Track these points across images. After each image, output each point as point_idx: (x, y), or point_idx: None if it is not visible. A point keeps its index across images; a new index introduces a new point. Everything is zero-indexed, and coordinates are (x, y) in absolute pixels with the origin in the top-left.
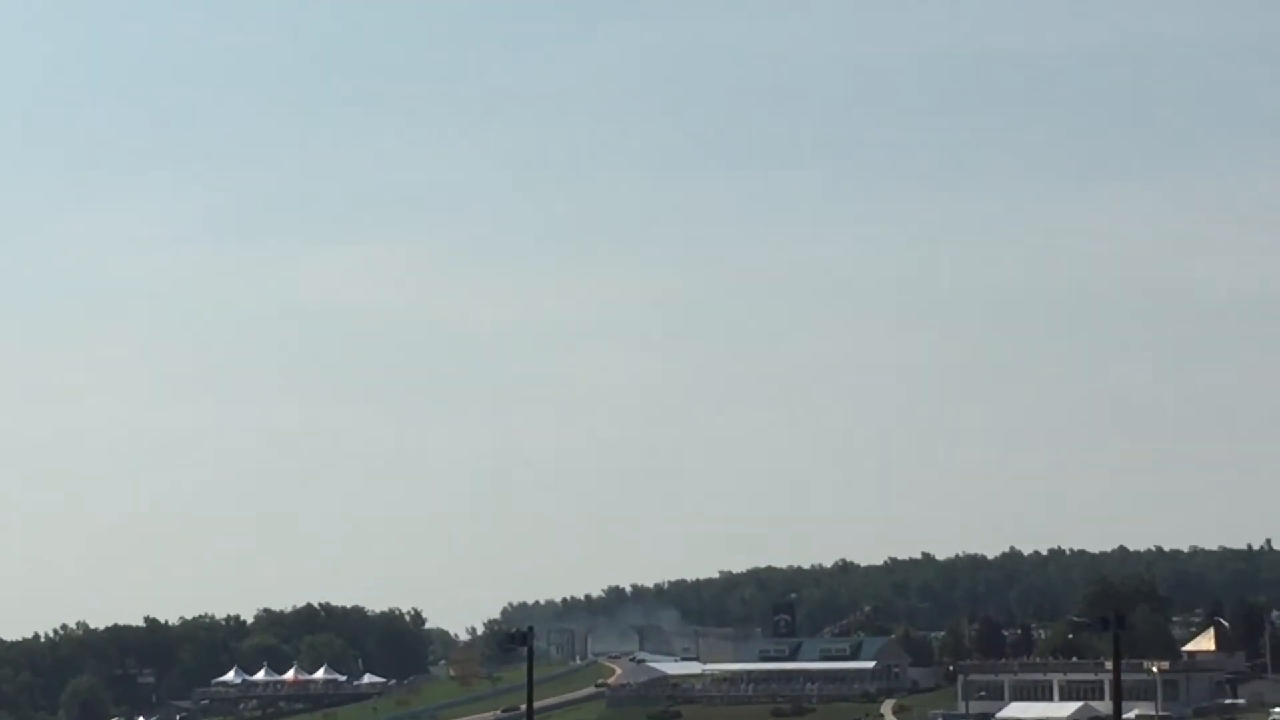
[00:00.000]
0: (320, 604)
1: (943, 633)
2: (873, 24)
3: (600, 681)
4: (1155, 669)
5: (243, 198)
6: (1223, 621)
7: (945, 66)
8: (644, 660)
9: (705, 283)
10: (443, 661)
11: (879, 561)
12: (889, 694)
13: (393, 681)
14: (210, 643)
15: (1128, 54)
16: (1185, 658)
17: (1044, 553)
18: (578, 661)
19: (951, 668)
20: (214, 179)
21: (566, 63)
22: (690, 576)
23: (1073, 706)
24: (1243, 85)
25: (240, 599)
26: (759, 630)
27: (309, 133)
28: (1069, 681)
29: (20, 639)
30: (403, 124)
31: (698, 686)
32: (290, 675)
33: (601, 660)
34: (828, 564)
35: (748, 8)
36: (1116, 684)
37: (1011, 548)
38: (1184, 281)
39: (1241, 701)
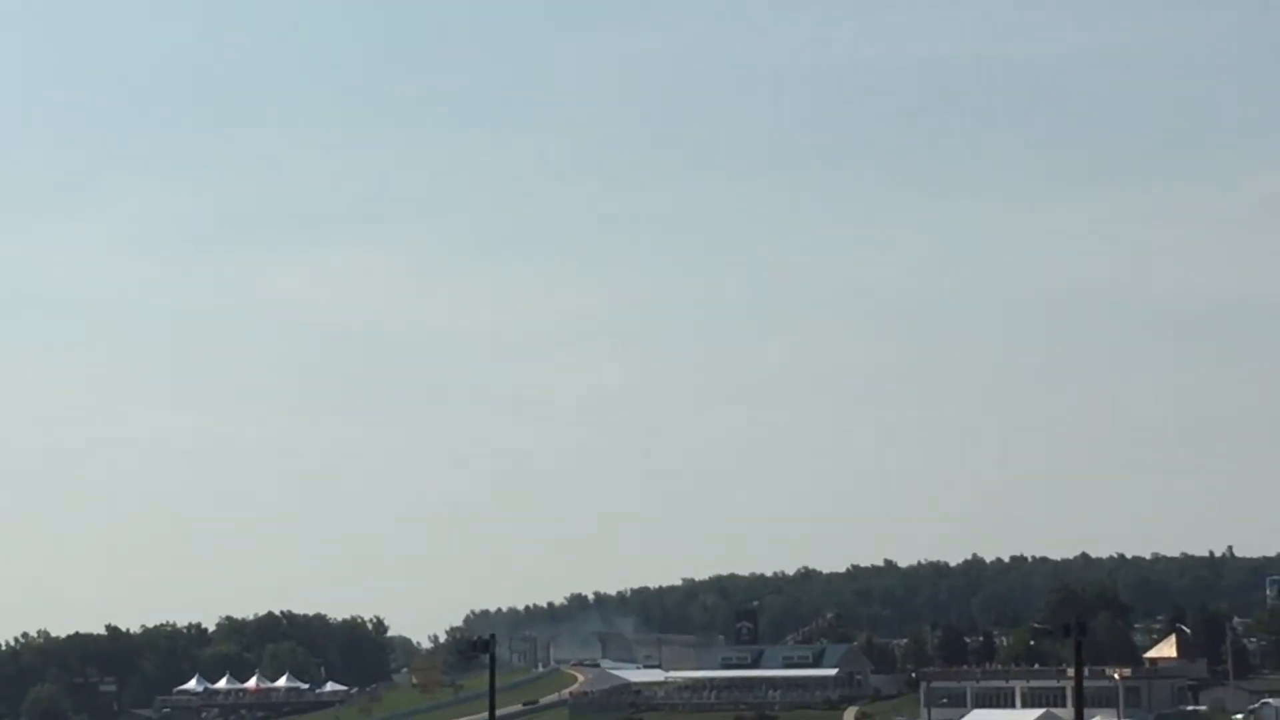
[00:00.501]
0: (282, 612)
1: (905, 640)
2: (851, 30)
3: (579, 687)
4: (1117, 676)
5: (215, 204)
6: (1184, 628)
7: (927, 72)
8: (607, 668)
9: (676, 289)
10: (405, 669)
11: (841, 568)
12: (851, 701)
13: (355, 689)
14: (172, 651)
15: (1114, 59)
16: (1147, 665)
17: (1006, 560)
18: (540, 669)
19: (914, 675)
20: (187, 186)
21: (541, 70)
22: (652, 584)
23: (1035, 713)
24: (1230, 89)
25: (202, 607)
26: (721, 637)
27: (282, 139)
28: (1031, 688)
29: None
30: (376, 131)
31: (660, 694)
32: (252, 683)
33: (564, 668)
34: (790, 571)
35: (720, 15)
36: (1078, 691)
37: (974, 555)
38: (1159, 288)
39: (1203, 708)
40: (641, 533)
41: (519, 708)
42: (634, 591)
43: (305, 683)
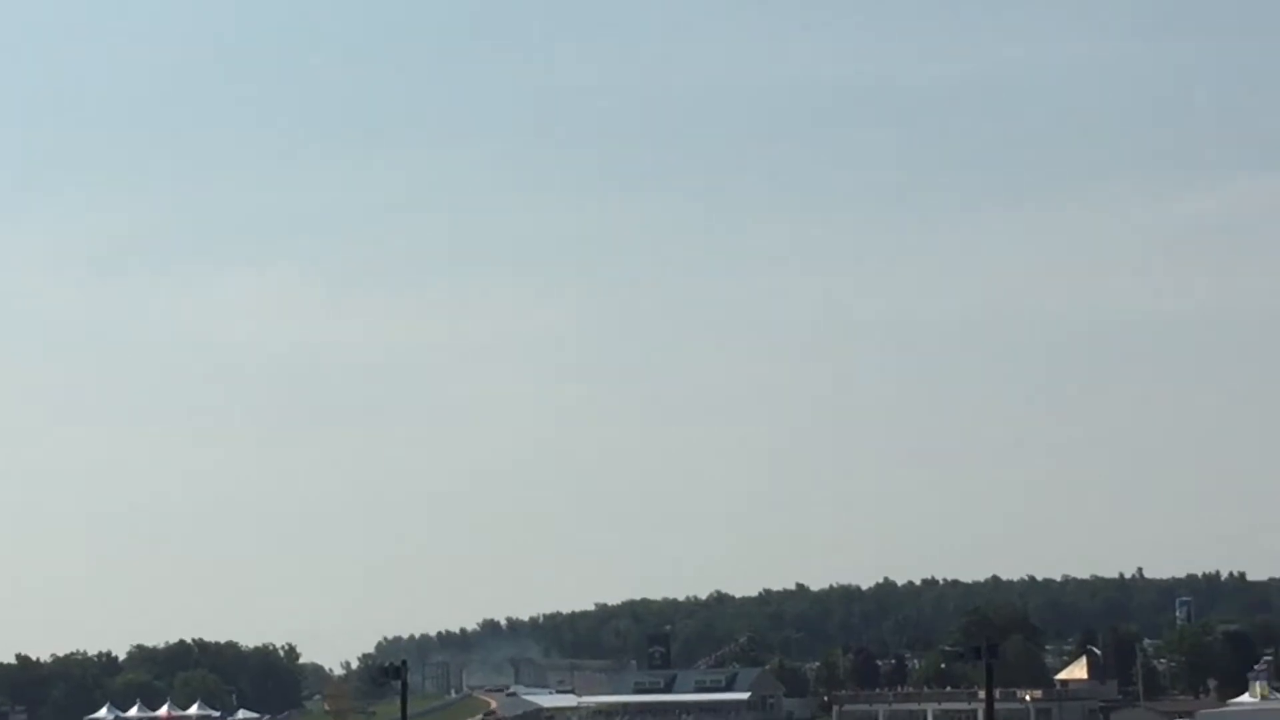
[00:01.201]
0: (194, 639)
1: (817, 663)
2: (756, 53)
3: (492, 713)
4: (1028, 698)
5: (125, 225)
6: (1095, 650)
7: (827, 96)
8: (519, 693)
9: (594, 310)
10: (317, 696)
11: (753, 592)
12: None
13: (267, 717)
14: (83, 680)
15: (1035, 77)
16: (1058, 686)
17: (917, 583)
18: (453, 695)
19: (827, 698)
20: (89, 209)
21: (451, 89)
22: (565, 609)
23: None
24: (1146, 111)
25: (112, 635)
26: (634, 662)
27: (185, 161)
28: (943, 711)
29: None
30: (284, 151)
31: (573, 719)
32: (164, 712)
33: (476, 693)
34: (702, 595)
35: (628, 37)
36: (989, 713)
37: (885, 578)
38: (1057, 309)
39: None
40: (554, 558)
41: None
42: (546, 617)
43: (217, 710)
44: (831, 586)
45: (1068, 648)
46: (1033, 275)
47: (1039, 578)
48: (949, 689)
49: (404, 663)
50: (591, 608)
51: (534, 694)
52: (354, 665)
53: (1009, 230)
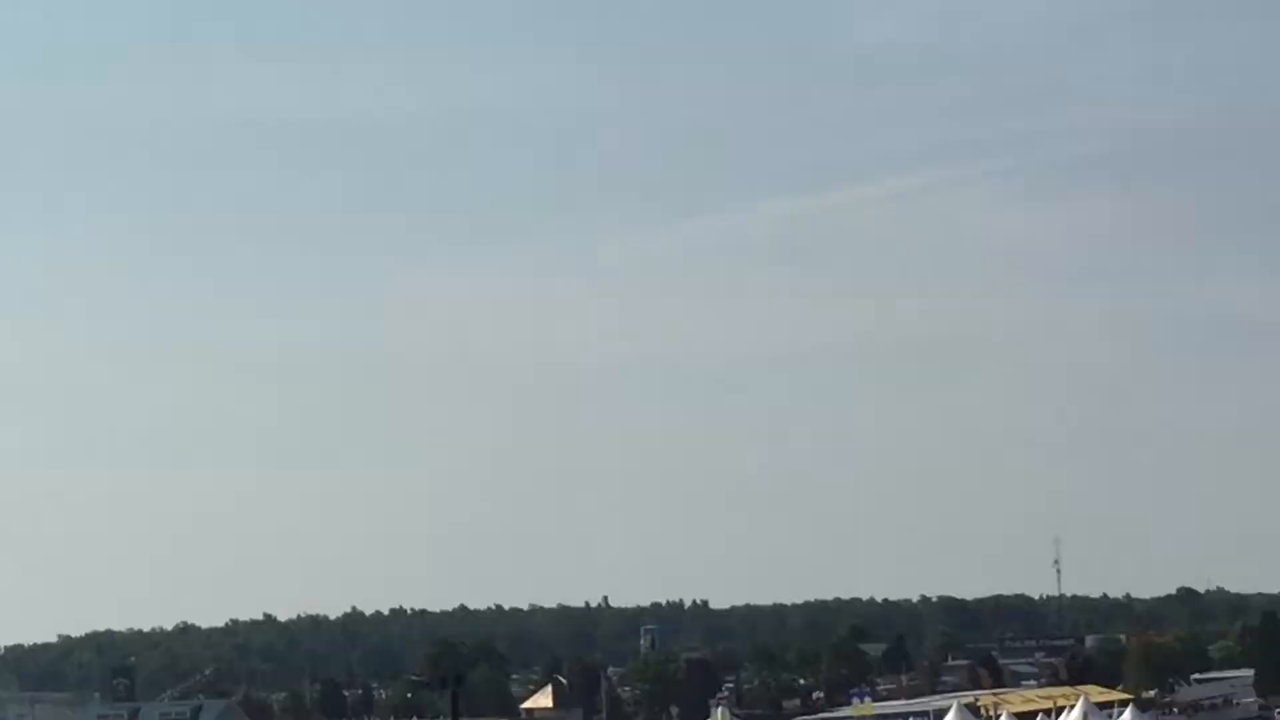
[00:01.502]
0: None
1: (284, 694)
2: (226, 86)
3: None
4: None
5: None
6: (561, 679)
7: (309, 130)
8: None
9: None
10: None
11: (220, 623)
12: None
13: None
14: None
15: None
16: (524, 715)
17: (385, 612)
18: None
19: None
20: None
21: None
22: (27, 641)
23: None
24: (590, 150)
25: None
26: (97, 695)
27: None
28: None
29: None
30: None
31: None
32: None
33: None
34: (168, 626)
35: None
36: None
37: (353, 607)
38: (552, 349)
39: None
40: (15, 589)
41: None
42: (8, 649)
43: None
44: (299, 616)
45: (534, 676)
46: (518, 314)
47: (506, 607)
48: (416, 719)
49: None
50: (54, 640)
51: None
52: None
53: (498, 268)
